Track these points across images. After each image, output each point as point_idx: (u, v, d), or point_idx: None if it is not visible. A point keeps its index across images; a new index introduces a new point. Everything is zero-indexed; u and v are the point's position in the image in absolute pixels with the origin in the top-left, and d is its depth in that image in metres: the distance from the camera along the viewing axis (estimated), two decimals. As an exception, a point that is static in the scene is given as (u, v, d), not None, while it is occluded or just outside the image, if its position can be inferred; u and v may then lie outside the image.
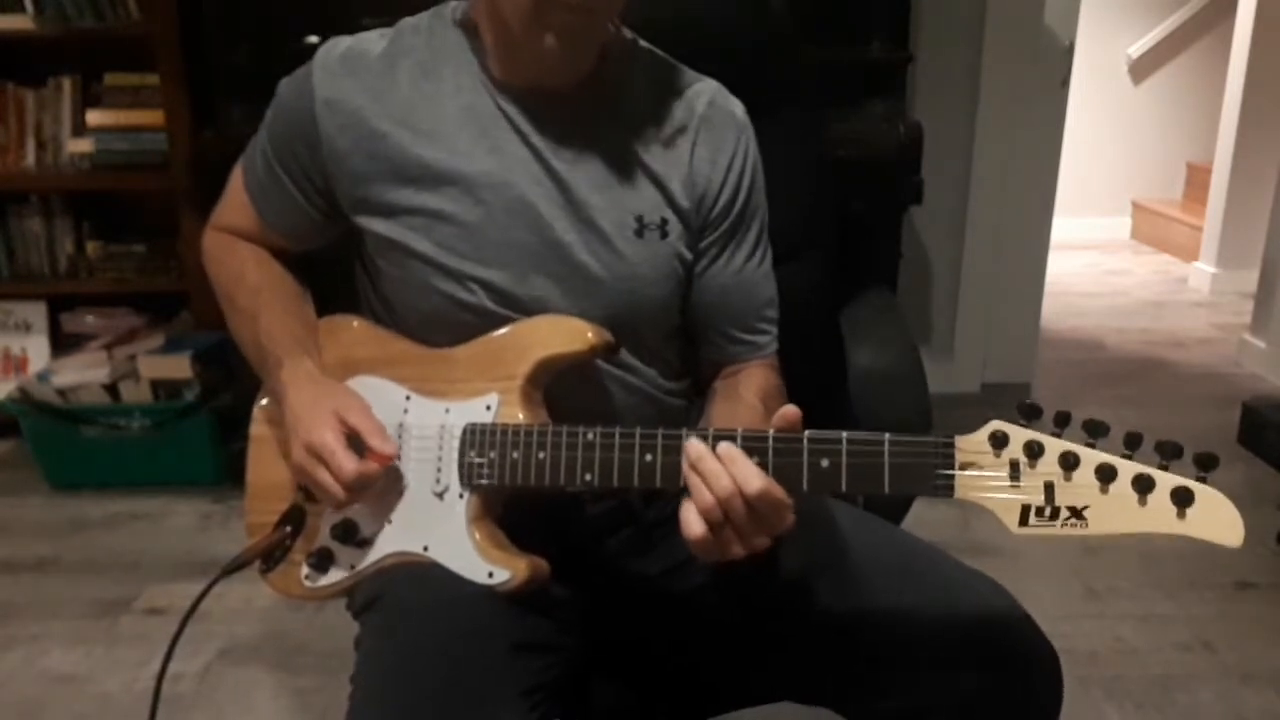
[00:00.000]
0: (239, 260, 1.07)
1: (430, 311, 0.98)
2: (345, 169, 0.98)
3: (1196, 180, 4.87)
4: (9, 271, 2.72)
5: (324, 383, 0.97)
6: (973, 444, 0.77)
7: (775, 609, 0.97)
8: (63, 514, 2.40)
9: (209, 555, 2.18)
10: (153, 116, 2.51)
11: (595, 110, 0.99)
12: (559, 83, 0.97)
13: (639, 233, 0.98)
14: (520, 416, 0.91)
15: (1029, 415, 0.76)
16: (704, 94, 1.03)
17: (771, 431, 0.82)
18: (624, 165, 0.98)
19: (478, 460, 0.91)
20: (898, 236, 2.44)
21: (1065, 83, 2.92)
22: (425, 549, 0.92)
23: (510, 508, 0.94)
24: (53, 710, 1.73)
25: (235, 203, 1.08)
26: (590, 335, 0.92)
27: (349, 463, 0.89)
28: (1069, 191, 3.56)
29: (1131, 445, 0.74)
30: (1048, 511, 0.75)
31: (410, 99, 0.97)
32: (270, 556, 0.97)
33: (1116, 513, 0.74)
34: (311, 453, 0.91)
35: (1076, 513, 0.74)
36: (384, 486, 0.93)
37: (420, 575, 0.91)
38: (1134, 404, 3.06)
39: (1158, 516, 0.73)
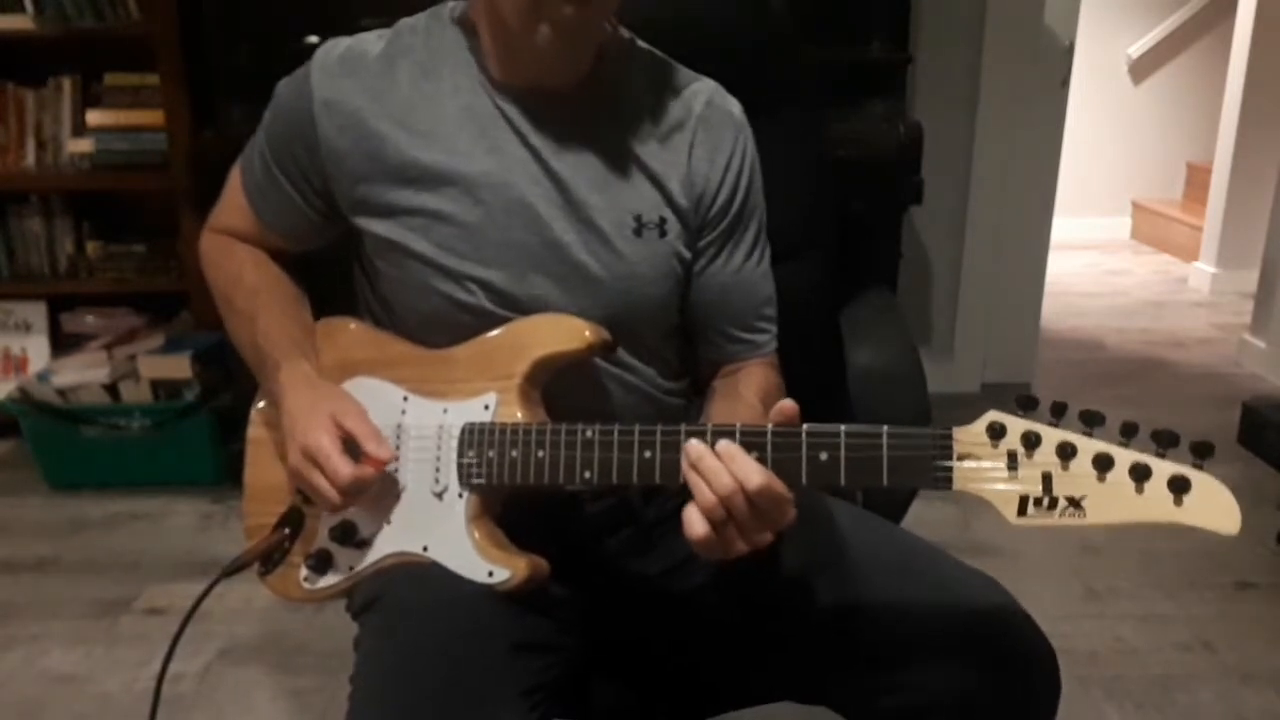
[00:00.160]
0: (236, 262, 1.07)
1: (429, 312, 0.98)
2: (344, 170, 0.98)
3: (1196, 180, 4.87)
4: (9, 271, 2.72)
5: (321, 386, 0.97)
6: (970, 435, 0.77)
7: (775, 607, 0.97)
8: (63, 514, 2.40)
9: (209, 555, 2.19)
10: (153, 116, 2.51)
11: (594, 110, 0.99)
12: (557, 82, 0.97)
13: (637, 232, 0.98)
14: (519, 415, 0.91)
15: (1026, 406, 0.76)
16: (702, 93, 1.03)
17: (770, 426, 0.82)
18: (622, 165, 0.98)
19: (476, 460, 0.91)
20: (898, 236, 2.44)
21: (1065, 83, 2.92)
22: (424, 549, 0.92)
23: (509, 507, 0.94)
24: (53, 710, 1.73)
25: (233, 204, 1.08)
26: (588, 334, 0.92)
27: (344, 467, 0.89)
28: (1069, 191, 3.56)
29: (1128, 434, 0.74)
30: (1045, 501, 0.75)
31: (409, 99, 0.97)
32: (269, 559, 0.97)
33: (1114, 502, 0.74)
34: (307, 457, 0.91)
35: (1074, 502, 0.74)
36: (382, 487, 0.93)
37: (420, 575, 0.91)
38: (1134, 404, 3.05)
39: (1155, 504, 0.73)
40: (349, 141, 0.97)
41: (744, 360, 1.07)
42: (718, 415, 1.00)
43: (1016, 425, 0.76)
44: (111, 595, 2.06)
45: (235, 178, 1.07)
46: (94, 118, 2.56)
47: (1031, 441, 0.75)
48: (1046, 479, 0.75)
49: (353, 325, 1.04)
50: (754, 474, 0.79)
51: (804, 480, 0.81)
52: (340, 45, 0.99)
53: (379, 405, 0.96)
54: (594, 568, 1.02)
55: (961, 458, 0.77)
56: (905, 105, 2.46)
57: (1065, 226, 3.99)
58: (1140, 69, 5.10)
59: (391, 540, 0.94)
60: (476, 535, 0.90)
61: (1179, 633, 1.92)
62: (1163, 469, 0.73)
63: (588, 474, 0.87)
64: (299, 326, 1.04)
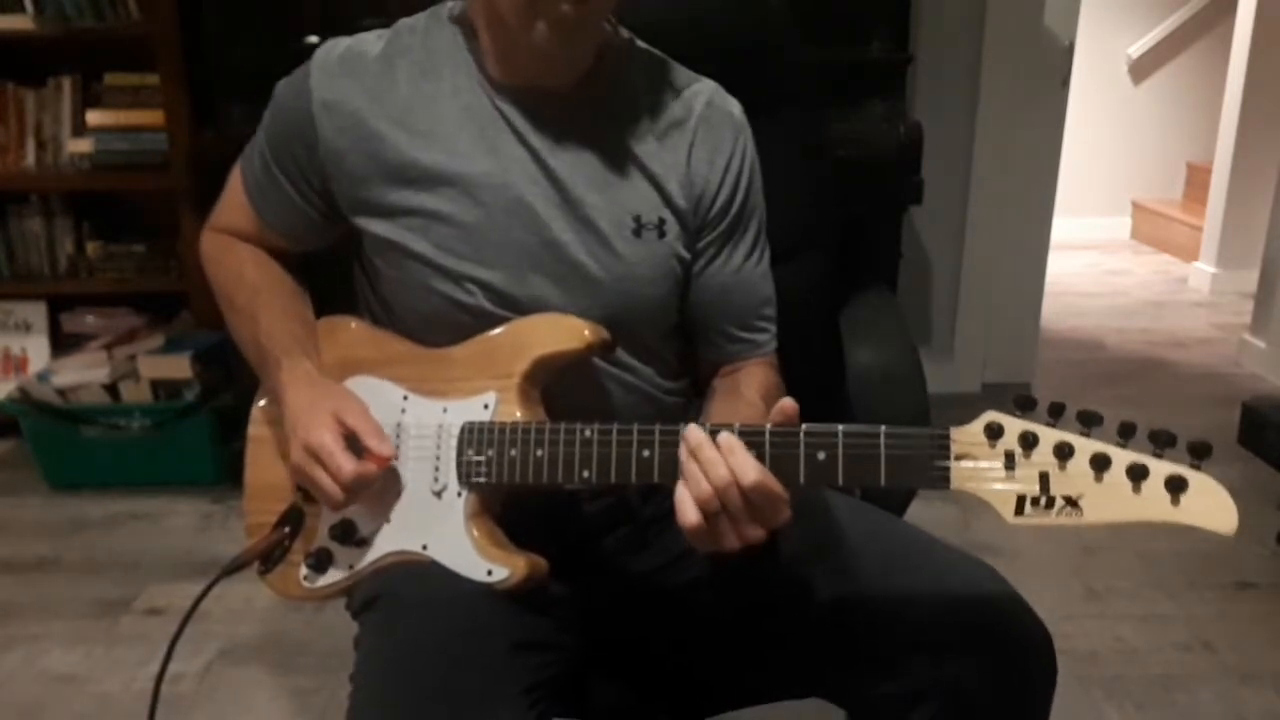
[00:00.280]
0: (237, 261, 1.07)
1: (429, 312, 0.98)
2: (343, 170, 0.98)
3: (1196, 180, 4.87)
4: (9, 271, 2.72)
5: (323, 384, 0.97)
6: (968, 435, 0.77)
7: (771, 598, 0.97)
8: (63, 514, 2.40)
9: (209, 555, 2.19)
10: (153, 116, 2.51)
11: (593, 110, 0.99)
12: (556, 82, 0.97)
13: (637, 232, 0.98)
14: (518, 414, 0.91)
15: (1024, 407, 0.76)
16: (702, 94, 1.03)
17: (768, 425, 0.82)
18: (621, 165, 0.99)
19: (476, 458, 0.91)
20: (898, 236, 2.44)
21: (1065, 83, 2.92)
22: (424, 548, 0.92)
23: (509, 506, 0.94)
24: (53, 710, 1.73)
25: (234, 203, 1.08)
26: (587, 333, 0.92)
27: (347, 464, 0.89)
28: (1069, 191, 3.56)
29: (1125, 434, 0.74)
30: (1043, 501, 0.75)
31: (408, 100, 0.97)
32: (269, 557, 0.97)
33: (1111, 501, 0.74)
34: (309, 453, 0.91)
35: (1071, 502, 0.75)
36: (382, 486, 0.93)
37: (419, 574, 0.91)
38: (1134, 404, 3.05)
39: (1152, 504, 0.73)
40: (348, 142, 0.97)
41: (744, 360, 1.07)
42: (718, 414, 1.00)
43: (1014, 425, 0.76)
44: (111, 595, 2.06)
45: (236, 177, 1.07)
46: (94, 118, 2.56)
47: (1029, 441, 0.75)
48: (1044, 479, 0.75)
49: (353, 324, 1.05)
50: (750, 469, 0.79)
51: (802, 479, 0.81)
52: (340, 45, 0.99)
53: (379, 404, 0.96)
54: (592, 566, 1.02)
55: (959, 457, 0.77)
56: (905, 105, 2.46)
57: (1065, 226, 3.99)
58: (1140, 69, 5.10)
59: (391, 539, 0.94)
60: (475, 534, 0.91)
61: (1179, 633, 1.92)
62: (1160, 469, 0.73)
63: (586, 473, 0.87)
64: (301, 325, 1.04)
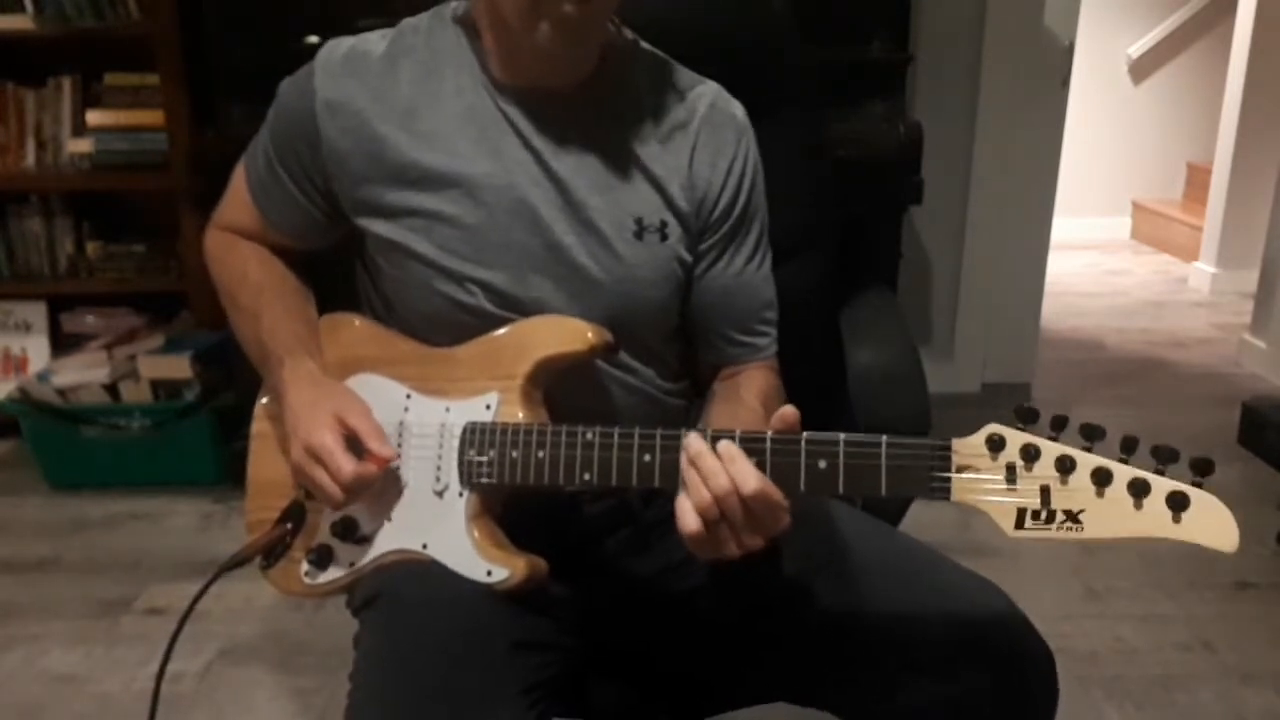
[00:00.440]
0: (241, 259, 1.07)
1: (430, 312, 0.98)
2: (346, 170, 0.98)
3: (1196, 180, 4.87)
4: (9, 271, 2.72)
5: (325, 383, 0.97)
6: (969, 447, 0.77)
7: (772, 609, 0.97)
8: (63, 514, 2.40)
9: (209, 555, 2.19)
10: (153, 116, 2.51)
11: (596, 111, 0.99)
12: (559, 82, 0.97)
13: (638, 235, 0.98)
14: (520, 415, 0.91)
15: (1026, 419, 0.76)
16: (705, 96, 1.03)
17: (769, 433, 0.82)
18: (624, 167, 0.98)
19: (477, 459, 0.91)
20: (898, 236, 2.44)
21: (1065, 83, 2.92)
22: (424, 547, 0.92)
23: (509, 507, 0.94)
24: (53, 710, 1.73)
25: (237, 202, 1.08)
26: (590, 335, 0.93)
27: (347, 464, 0.89)
28: (1069, 191, 3.56)
29: (1128, 449, 0.74)
30: (1043, 515, 0.75)
31: (411, 100, 0.97)
32: (270, 553, 0.98)
33: (1112, 517, 0.74)
34: (310, 453, 0.91)
35: (1072, 516, 0.74)
36: (384, 485, 0.93)
37: (419, 573, 0.91)
38: (1134, 404, 3.06)
39: (1153, 521, 0.73)
40: (351, 142, 0.97)
41: (744, 363, 1.07)
42: (718, 418, 1.00)
43: (1016, 438, 0.76)
44: (111, 595, 2.06)
45: (240, 176, 1.07)
46: (94, 118, 2.56)
47: (1030, 454, 0.75)
48: (1045, 492, 0.75)
49: (357, 322, 1.05)
50: (751, 478, 0.79)
51: (802, 487, 0.81)
52: (343, 45, 0.99)
53: (381, 402, 0.96)
54: (593, 568, 1.02)
55: (960, 469, 0.77)
56: (905, 105, 2.46)
57: (1065, 226, 3.99)
58: (1140, 69, 5.10)
59: (392, 537, 0.94)
60: (476, 534, 0.91)
61: (1179, 633, 1.92)
62: (1161, 485, 0.73)
63: (587, 475, 0.87)
64: (303, 323, 1.04)
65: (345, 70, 0.97)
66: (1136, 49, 5.04)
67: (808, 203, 1.32)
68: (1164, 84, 5.10)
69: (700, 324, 1.06)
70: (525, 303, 0.96)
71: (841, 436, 0.80)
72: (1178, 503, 0.72)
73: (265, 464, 1.04)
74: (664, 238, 0.99)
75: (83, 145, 2.56)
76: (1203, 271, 4.27)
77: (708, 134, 1.01)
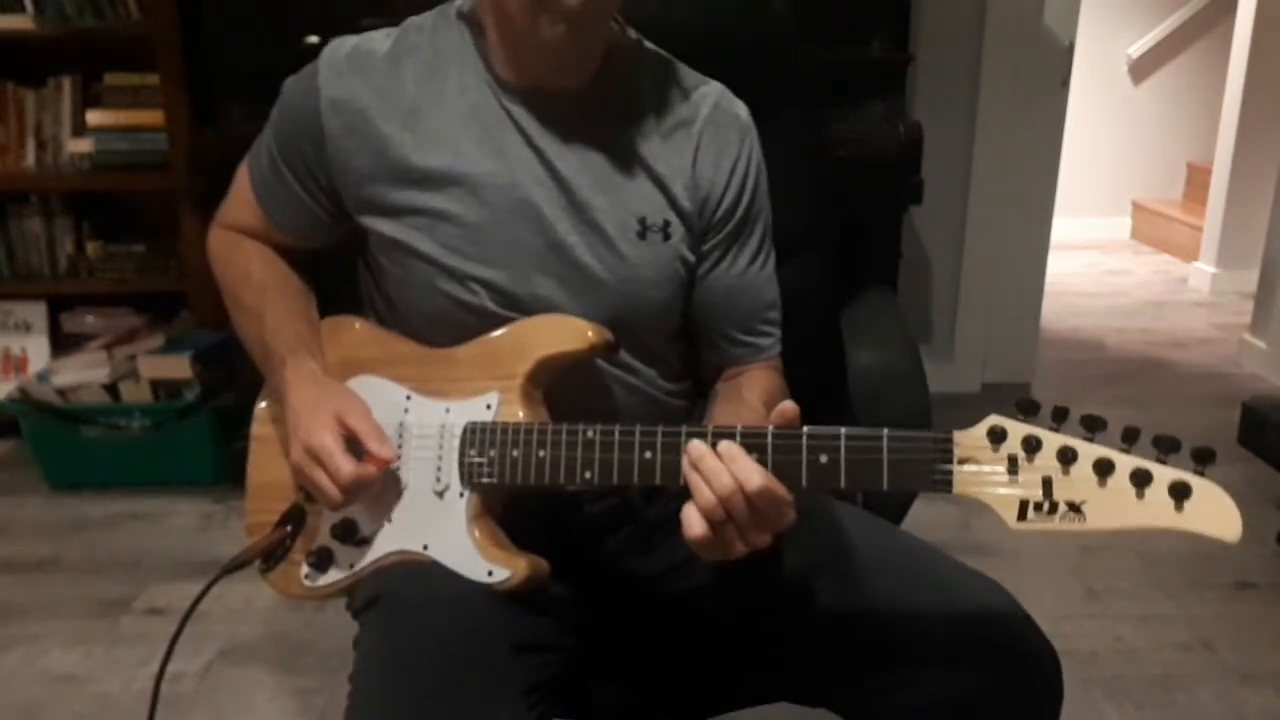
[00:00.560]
0: (244, 258, 1.07)
1: (433, 312, 0.98)
2: (349, 168, 0.98)
3: (1196, 180, 4.87)
4: (9, 271, 2.72)
5: (326, 384, 0.97)
6: (971, 439, 0.77)
7: (775, 608, 0.97)
8: (63, 514, 2.40)
9: (209, 555, 2.19)
10: (153, 116, 2.51)
11: (600, 111, 0.99)
12: (564, 81, 0.97)
13: (641, 234, 0.98)
14: (520, 415, 0.91)
15: (1027, 411, 0.76)
16: (709, 96, 1.03)
17: (770, 429, 0.82)
18: (627, 167, 0.98)
19: (478, 459, 0.91)
20: (898, 236, 2.44)
21: (1065, 83, 2.92)
22: (425, 548, 0.92)
23: (510, 507, 0.94)
24: (53, 710, 1.73)
25: (241, 201, 1.08)
26: (591, 334, 0.92)
27: (346, 465, 0.89)
28: (1069, 191, 3.56)
29: (1129, 440, 0.74)
30: (1046, 506, 0.75)
31: (415, 99, 0.97)
32: (270, 556, 0.97)
33: (1114, 507, 0.74)
34: (310, 454, 0.91)
35: (1074, 507, 0.74)
36: (384, 486, 0.93)
37: (420, 574, 0.91)
38: (1134, 404, 3.06)
39: (1155, 511, 0.73)
40: (355, 141, 0.97)
41: (747, 364, 1.07)
42: (720, 418, 1.00)
43: (1017, 429, 0.76)
44: (111, 595, 2.06)
45: (243, 174, 1.07)
46: (94, 118, 2.56)
47: (1032, 446, 0.75)
48: (1047, 484, 0.75)
49: (357, 324, 1.05)
50: (754, 475, 0.79)
51: (804, 483, 0.81)
52: (348, 43, 0.99)
53: (382, 404, 0.96)
54: (594, 568, 1.02)
55: (962, 461, 0.77)
56: (905, 105, 2.46)
57: (1065, 226, 3.99)
58: (1140, 69, 5.10)
59: (392, 539, 0.94)
60: (477, 534, 0.91)
61: (1179, 633, 1.92)
62: (1164, 475, 0.73)
63: (588, 474, 0.87)
64: (306, 324, 1.04)
65: (350, 68, 0.97)
66: (1136, 49, 5.04)
67: (808, 203, 1.32)
68: (1164, 84, 5.10)
69: (703, 324, 1.06)
70: (528, 302, 0.96)
71: (843, 431, 0.80)
72: (1180, 492, 0.72)
73: (265, 466, 1.04)
74: (667, 237, 0.99)
75: (83, 145, 2.56)
76: (1203, 271, 4.27)
77: (711, 134, 1.01)
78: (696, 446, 0.82)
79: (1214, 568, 2.12)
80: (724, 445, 0.81)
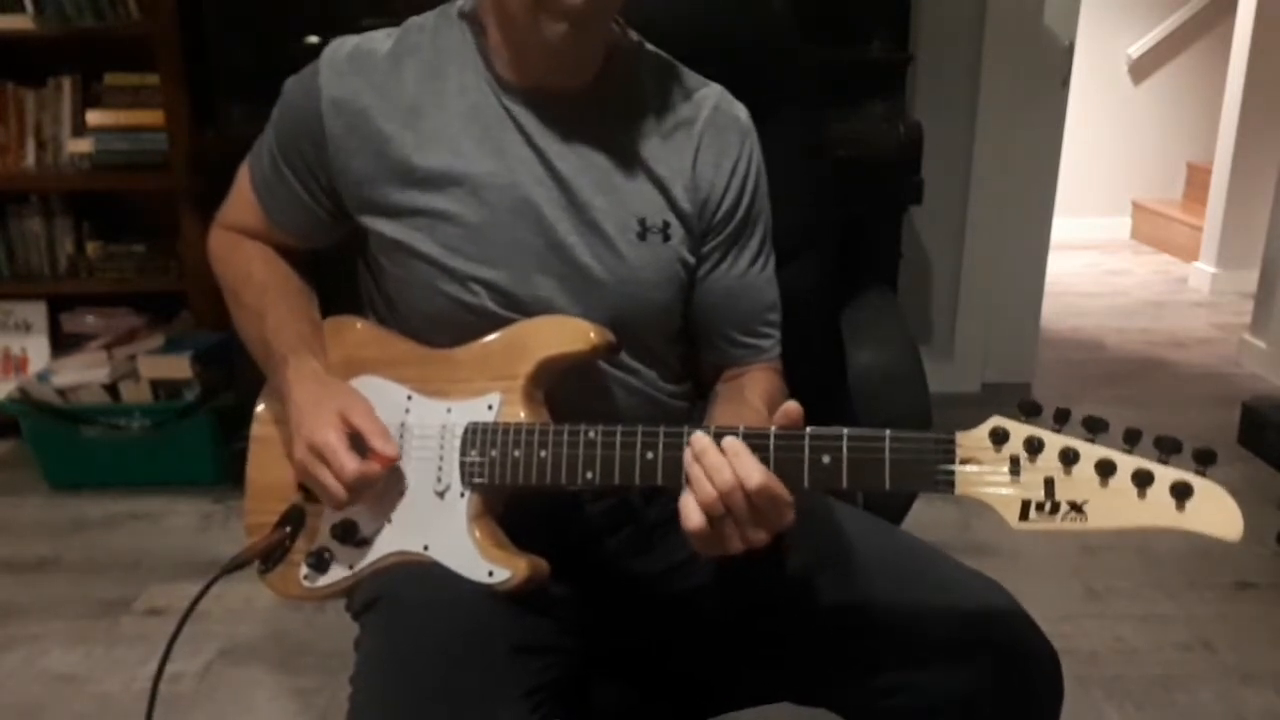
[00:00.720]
0: (245, 258, 1.07)
1: (434, 312, 0.98)
2: (350, 168, 0.98)
3: (1196, 180, 4.87)
4: (9, 271, 2.72)
5: (329, 383, 0.97)
6: (973, 440, 0.77)
7: (775, 608, 0.97)
8: (63, 514, 2.40)
9: (209, 555, 2.18)
10: (153, 116, 2.51)
11: (600, 111, 0.99)
12: (566, 82, 0.97)
13: (641, 235, 0.98)
14: (522, 416, 0.91)
15: (1029, 412, 0.76)
16: (709, 98, 1.03)
17: (773, 428, 0.82)
18: (627, 167, 0.98)
19: (479, 459, 0.91)
20: (898, 236, 2.44)
21: (1065, 83, 2.92)
22: (425, 548, 0.92)
23: (511, 507, 0.94)
24: (53, 710, 1.73)
25: (242, 201, 1.08)
26: (592, 335, 0.92)
27: (350, 463, 0.89)
28: (1069, 191, 3.56)
29: (1131, 441, 0.74)
30: (1048, 506, 0.75)
31: (416, 99, 0.97)
32: (269, 556, 0.97)
33: (1116, 507, 0.74)
34: (314, 452, 0.91)
35: (1076, 507, 0.75)
36: (385, 486, 0.93)
37: (420, 575, 0.91)
38: (1134, 404, 3.06)
39: (1157, 510, 0.73)
40: (356, 141, 0.97)
41: (747, 365, 1.08)
42: (721, 418, 0.99)
43: (1019, 430, 0.76)
44: (111, 595, 2.06)
45: (244, 174, 1.07)
46: (94, 118, 2.56)
47: (1034, 446, 0.76)
48: (1049, 484, 0.75)
49: (359, 324, 1.05)
50: (755, 473, 0.79)
51: (806, 483, 0.81)
52: (348, 43, 0.99)
53: (383, 404, 0.96)
54: (594, 568, 1.02)
55: (964, 462, 0.77)
56: (905, 105, 2.46)
57: (1065, 226, 3.99)
58: (1140, 69, 5.10)
59: (392, 539, 0.94)
60: (477, 535, 0.91)
61: (1179, 633, 1.92)
62: (1165, 475, 0.73)
63: (590, 474, 0.87)
64: (307, 323, 1.04)
65: (350, 68, 0.97)
66: (1136, 49, 5.04)
67: (808, 203, 1.32)
68: (1164, 84, 5.11)
69: (703, 325, 1.06)
70: (528, 302, 0.96)
71: (845, 431, 0.80)
72: (1181, 492, 0.72)
73: (265, 467, 1.04)
74: (667, 238, 0.99)
75: (83, 145, 2.56)
76: (1203, 271, 4.27)
77: (712, 136, 1.01)
78: (700, 439, 0.82)
79: (1214, 568, 2.12)
80: (728, 441, 0.81)
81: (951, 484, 0.77)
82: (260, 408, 1.06)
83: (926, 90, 2.77)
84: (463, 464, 0.91)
